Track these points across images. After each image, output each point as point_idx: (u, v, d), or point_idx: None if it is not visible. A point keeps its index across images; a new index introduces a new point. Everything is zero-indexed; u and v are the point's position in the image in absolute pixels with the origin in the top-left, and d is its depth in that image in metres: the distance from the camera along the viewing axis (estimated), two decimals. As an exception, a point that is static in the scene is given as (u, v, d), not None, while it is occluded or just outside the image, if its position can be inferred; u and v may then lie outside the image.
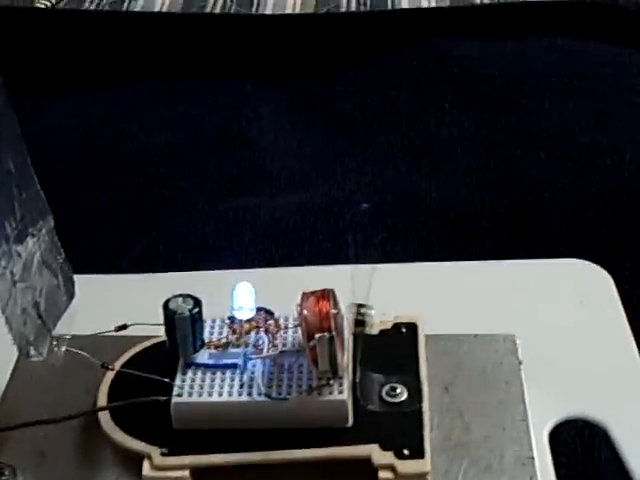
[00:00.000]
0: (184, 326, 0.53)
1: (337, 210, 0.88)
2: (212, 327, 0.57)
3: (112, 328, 0.57)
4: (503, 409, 0.57)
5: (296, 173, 0.95)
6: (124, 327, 0.57)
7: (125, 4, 1.23)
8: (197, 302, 0.54)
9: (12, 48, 1.13)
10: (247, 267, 0.78)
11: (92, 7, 1.22)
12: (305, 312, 0.51)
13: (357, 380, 0.55)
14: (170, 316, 0.53)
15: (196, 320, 0.53)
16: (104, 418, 0.55)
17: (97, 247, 0.85)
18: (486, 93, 1.06)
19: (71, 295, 0.58)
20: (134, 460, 0.53)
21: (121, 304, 0.67)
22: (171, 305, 0.53)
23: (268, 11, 1.21)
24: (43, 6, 1.19)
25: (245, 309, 0.54)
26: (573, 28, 1.14)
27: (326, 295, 0.52)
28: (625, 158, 0.91)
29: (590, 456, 0.59)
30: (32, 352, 0.54)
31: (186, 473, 0.52)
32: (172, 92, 1.11)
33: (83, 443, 0.55)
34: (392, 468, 0.51)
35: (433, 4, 1.21)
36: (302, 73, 1.11)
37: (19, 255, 0.53)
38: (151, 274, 0.76)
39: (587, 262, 0.73)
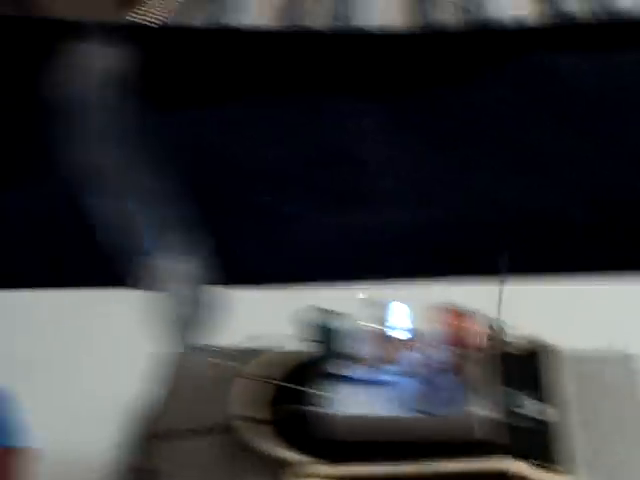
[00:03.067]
0: (338, 339, 0.55)
1: (459, 227, 0.89)
2: (364, 342, 0.58)
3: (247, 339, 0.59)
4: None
5: (406, 189, 0.96)
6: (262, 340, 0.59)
7: (223, 18, 1.24)
8: (343, 316, 0.56)
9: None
10: (359, 280, 0.78)
11: (198, 24, 1.23)
12: (448, 329, 0.53)
13: (499, 396, 0.56)
14: (325, 331, 0.55)
15: (342, 334, 0.56)
16: (250, 428, 0.56)
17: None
18: (588, 107, 1.06)
19: (214, 308, 0.60)
20: (279, 469, 0.54)
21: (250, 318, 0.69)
22: (323, 320, 0.55)
23: (368, 23, 1.22)
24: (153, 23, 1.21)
25: (399, 329, 0.56)
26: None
27: (466, 313, 0.54)
28: None
29: None
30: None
31: (333, 483, 0.53)
32: (274, 109, 1.12)
33: (227, 452, 0.57)
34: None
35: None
36: (404, 90, 1.12)
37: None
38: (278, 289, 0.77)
39: None
